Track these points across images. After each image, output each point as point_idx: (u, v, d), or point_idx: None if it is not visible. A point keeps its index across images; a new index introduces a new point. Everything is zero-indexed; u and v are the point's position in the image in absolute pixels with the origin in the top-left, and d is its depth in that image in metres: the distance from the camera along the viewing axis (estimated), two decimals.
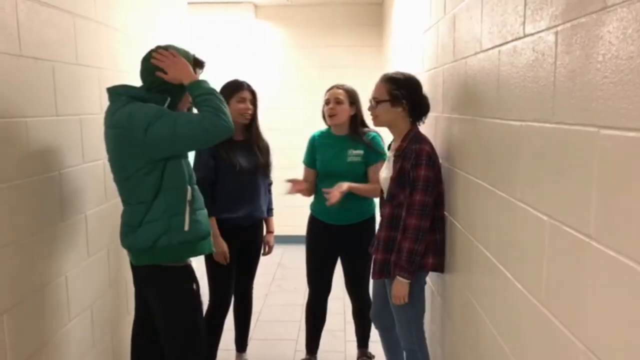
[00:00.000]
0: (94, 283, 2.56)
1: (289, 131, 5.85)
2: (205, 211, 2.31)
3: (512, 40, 1.53)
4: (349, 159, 2.96)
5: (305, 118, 5.97)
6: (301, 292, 4.55)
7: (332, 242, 3.07)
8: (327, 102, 2.99)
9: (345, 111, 2.96)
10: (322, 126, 5.67)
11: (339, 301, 3.28)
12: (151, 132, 2.03)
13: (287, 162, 5.26)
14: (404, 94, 2.33)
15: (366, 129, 3.04)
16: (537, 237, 1.36)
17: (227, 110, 2.09)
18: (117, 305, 2.84)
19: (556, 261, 1.26)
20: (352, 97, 2.97)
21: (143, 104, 2.08)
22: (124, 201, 2.22)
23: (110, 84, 2.72)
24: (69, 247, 2.33)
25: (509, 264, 1.59)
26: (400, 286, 2.30)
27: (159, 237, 2.13)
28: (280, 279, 4.96)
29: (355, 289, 3.13)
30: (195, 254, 2.28)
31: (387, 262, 2.33)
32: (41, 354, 2.10)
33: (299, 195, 5.70)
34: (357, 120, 2.98)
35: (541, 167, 1.34)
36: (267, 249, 3.29)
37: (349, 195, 2.86)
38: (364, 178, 2.96)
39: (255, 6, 5.82)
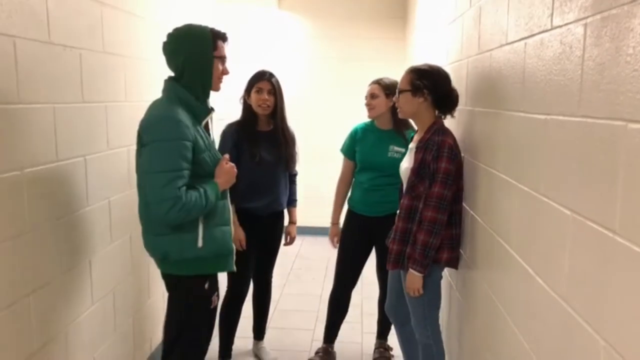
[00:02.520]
0: (116, 268, 2.61)
1: (310, 122, 5.86)
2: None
3: (539, 33, 1.51)
4: (390, 154, 2.96)
5: (327, 109, 5.99)
6: (319, 282, 4.59)
7: (367, 235, 3.08)
8: (365, 97, 3.06)
9: (381, 104, 2.98)
10: (347, 118, 5.65)
11: (356, 294, 3.28)
12: (144, 149, 2.03)
13: (308, 154, 5.28)
14: (425, 84, 2.31)
15: (411, 128, 3.03)
16: (559, 232, 1.35)
17: (197, 211, 2.01)
18: (138, 289, 2.89)
19: (578, 256, 1.25)
20: (389, 89, 2.96)
21: (171, 118, 1.99)
22: None
23: (135, 73, 2.78)
24: (93, 232, 2.38)
25: (530, 259, 1.58)
26: (413, 279, 2.29)
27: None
28: (298, 269, 4.99)
29: (385, 277, 3.10)
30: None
31: (403, 253, 2.32)
32: (65, 336, 2.15)
33: (317, 187, 5.77)
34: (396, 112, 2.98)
35: (565, 161, 1.33)
36: (288, 239, 3.30)
37: (385, 187, 2.94)
38: None
39: None
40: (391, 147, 2.98)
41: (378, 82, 3.01)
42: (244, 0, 5.76)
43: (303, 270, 4.96)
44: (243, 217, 2.96)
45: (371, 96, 3.00)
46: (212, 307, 2.24)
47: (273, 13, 5.82)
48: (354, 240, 3.15)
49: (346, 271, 3.21)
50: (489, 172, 2.04)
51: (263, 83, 2.94)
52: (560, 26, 1.37)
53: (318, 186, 5.83)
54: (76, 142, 2.21)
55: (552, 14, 1.42)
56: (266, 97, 2.94)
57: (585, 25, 1.22)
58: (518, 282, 1.68)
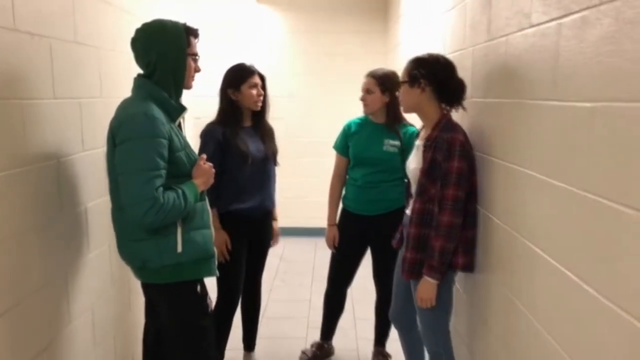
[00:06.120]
0: (94, 281, 2.37)
1: (292, 119, 5.66)
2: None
3: (580, 11, 1.35)
4: (385, 148, 2.82)
5: (308, 105, 5.79)
6: (307, 287, 4.39)
7: (362, 235, 2.96)
8: (362, 91, 2.88)
9: (376, 100, 2.82)
10: (330, 114, 5.49)
11: (348, 298, 3.12)
12: (118, 149, 1.87)
13: (289, 151, 5.05)
14: (423, 74, 2.15)
15: (405, 122, 2.90)
16: (617, 233, 1.19)
17: (175, 214, 1.88)
18: (119, 302, 2.65)
19: None
20: (385, 84, 2.80)
21: (146, 114, 1.85)
22: None
23: (111, 66, 2.54)
24: (69, 243, 2.14)
25: (571, 263, 1.42)
26: (428, 287, 2.13)
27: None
28: (283, 273, 4.78)
29: (383, 280, 2.93)
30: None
31: (418, 262, 2.15)
32: (41, 358, 1.91)
33: (300, 186, 5.57)
34: (394, 108, 2.81)
35: (626, 154, 1.17)
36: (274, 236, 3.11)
37: (379, 183, 2.82)
38: (400, 170, 2.77)
39: None
40: (386, 140, 2.83)
41: (373, 75, 2.84)
42: None
43: (289, 274, 4.76)
44: (232, 221, 2.76)
45: (366, 91, 2.84)
46: (209, 311, 2.13)
47: (251, 6, 5.59)
48: (349, 241, 2.99)
49: (340, 273, 3.08)
50: (508, 168, 1.88)
51: (255, 78, 2.78)
52: (612, 0, 1.21)
53: (300, 185, 5.65)
54: (48, 143, 1.97)
55: None
56: (261, 92, 2.80)
57: None
58: (554, 288, 1.52)
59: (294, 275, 4.72)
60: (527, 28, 1.71)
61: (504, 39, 1.92)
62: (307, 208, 5.58)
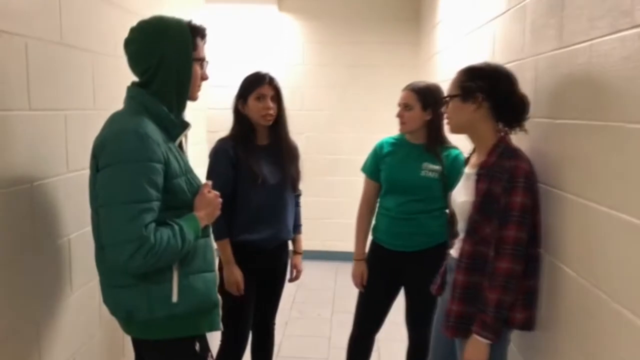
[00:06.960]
0: (78, 324, 2.01)
1: (313, 136, 5.31)
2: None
3: None
4: (423, 173, 2.42)
5: (332, 121, 5.43)
6: (326, 320, 4.00)
7: (395, 273, 2.55)
8: (398, 106, 2.50)
9: (415, 118, 2.43)
10: (355, 130, 5.06)
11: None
12: (100, 175, 1.52)
13: (310, 169, 4.67)
14: (480, 86, 1.77)
15: (447, 144, 2.50)
16: None
17: (169, 256, 1.52)
18: (109, 347, 2.29)
19: None
20: (426, 99, 2.41)
21: (136, 132, 1.50)
22: None
23: (109, 73, 2.20)
24: (45, 283, 1.78)
25: None
26: (479, 348, 1.72)
27: None
28: (301, 302, 4.37)
29: (418, 325, 2.52)
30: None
31: (467, 316, 1.75)
32: None
33: (320, 206, 5.18)
34: (435, 127, 2.42)
35: None
36: (294, 273, 2.72)
37: (417, 214, 2.43)
38: (441, 200, 2.38)
39: None
40: (424, 164, 2.43)
41: (413, 89, 2.45)
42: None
43: (307, 304, 4.35)
44: (242, 253, 2.40)
45: (404, 107, 2.45)
46: None
47: (273, 15, 5.27)
48: (379, 279, 2.59)
49: (368, 316, 2.65)
50: (588, 207, 1.47)
51: (264, 88, 2.39)
52: None
53: (321, 205, 5.26)
54: (18, 164, 1.62)
55: None
56: (270, 105, 2.40)
57: None
58: None
59: (312, 305, 4.32)
60: (626, 29, 1.31)
61: (585, 44, 1.52)
62: (328, 230, 5.21)
